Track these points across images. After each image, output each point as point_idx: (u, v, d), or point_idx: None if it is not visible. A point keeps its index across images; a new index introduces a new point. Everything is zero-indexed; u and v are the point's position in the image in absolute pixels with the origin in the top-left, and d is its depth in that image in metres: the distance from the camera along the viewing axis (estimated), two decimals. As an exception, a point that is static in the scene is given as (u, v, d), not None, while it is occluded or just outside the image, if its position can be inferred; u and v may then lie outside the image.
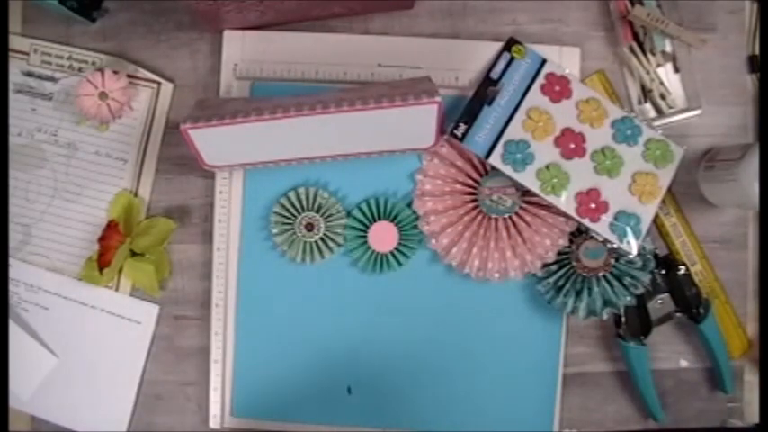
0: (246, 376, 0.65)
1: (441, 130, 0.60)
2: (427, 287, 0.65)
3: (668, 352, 0.67)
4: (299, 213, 0.63)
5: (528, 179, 0.61)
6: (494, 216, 0.63)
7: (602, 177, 0.61)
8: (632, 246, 0.60)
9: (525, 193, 0.62)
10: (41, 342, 0.65)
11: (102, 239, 0.63)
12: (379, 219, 0.64)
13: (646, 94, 0.66)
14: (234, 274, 0.65)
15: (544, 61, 0.63)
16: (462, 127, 0.61)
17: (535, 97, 0.62)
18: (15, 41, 0.65)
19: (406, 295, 0.65)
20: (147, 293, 0.66)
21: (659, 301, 0.64)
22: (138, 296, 0.66)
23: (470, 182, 0.63)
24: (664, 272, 0.64)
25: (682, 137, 0.65)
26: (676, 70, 0.66)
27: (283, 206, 0.63)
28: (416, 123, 0.58)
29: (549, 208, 0.62)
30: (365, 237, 0.63)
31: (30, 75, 0.66)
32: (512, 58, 0.63)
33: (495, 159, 0.61)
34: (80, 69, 0.65)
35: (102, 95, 0.62)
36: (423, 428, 0.65)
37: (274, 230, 0.63)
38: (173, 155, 0.66)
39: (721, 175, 0.62)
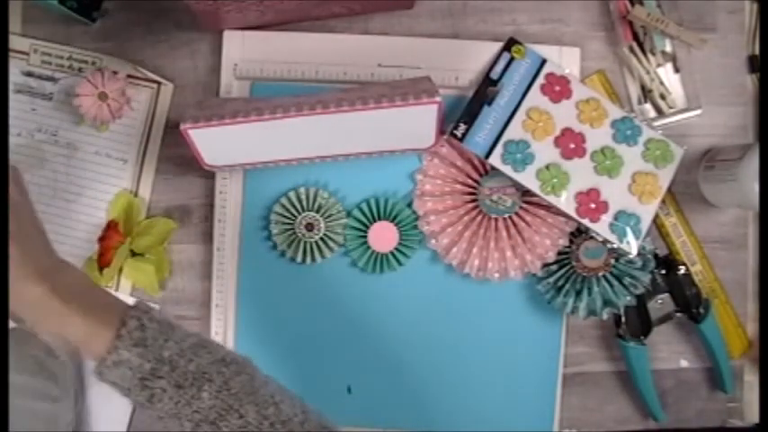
0: (246, 376, 0.65)
1: (441, 130, 0.60)
2: (427, 287, 0.65)
3: (668, 352, 0.67)
4: (299, 213, 0.63)
5: (528, 179, 0.61)
6: (494, 216, 0.63)
7: (602, 177, 0.61)
8: (632, 246, 0.60)
9: (525, 193, 0.62)
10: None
11: (102, 240, 0.63)
12: (379, 219, 0.63)
13: (646, 94, 0.66)
14: (234, 274, 0.65)
15: (544, 61, 0.63)
16: (462, 127, 0.61)
17: (535, 97, 0.62)
18: (15, 41, 0.65)
19: (406, 295, 0.65)
20: (147, 293, 0.65)
21: (659, 301, 0.64)
22: (138, 296, 0.66)
23: (470, 182, 0.63)
24: (664, 272, 0.64)
25: (682, 137, 0.65)
26: (676, 70, 0.66)
27: (283, 206, 0.63)
28: (416, 123, 0.58)
29: (549, 208, 0.62)
30: (365, 237, 0.63)
31: (30, 75, 0.66)
32: (512, 58, 0.63)
33: (495, 159, 0.61)
34: (80, 69, 0.65)
35: (102, 95, 0.62)
36: (422, 428, 0.65)
37: (274, 230, 0.63)
38: (173, 155, 0.66)
39: (721, 175, 0.62)
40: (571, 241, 0.63)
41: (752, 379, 0.67)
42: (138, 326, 0.42)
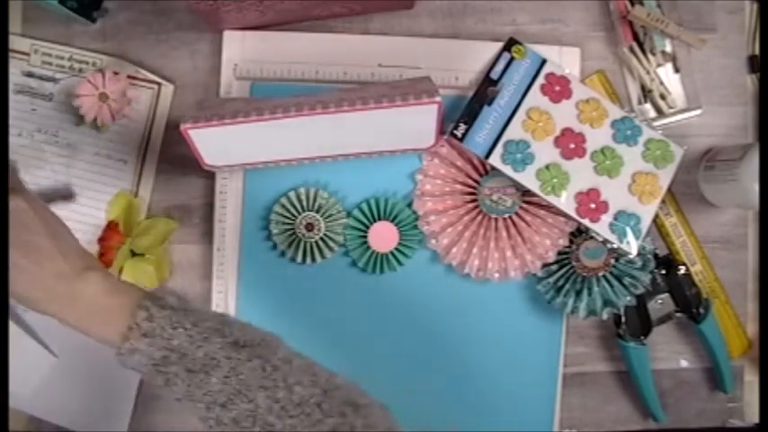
0: (246, 376, 0.65)
1: (441, 130, 0.60)
2: (427, 287, 0.65)
3: (668, 352, 0.67)
4: (299, 213, 0.63)
5: (528, 179, 0.61)
6: (494, 216, 0.63)
7: (602, 177, 0.61)
8: (632, 246, 0.60)
9: (525, 193, 0.62)
10: (41, 342, 0.65)
11: (102, 240, 0.63)
12: (379, 219, 0.63)
13: (646, 94, 0.66)
14: (234, 274, 0.65)
15: (544, 61, 0.63)
16: (462, 127, 0.61)
17: (535, 97, 0.62)
18: (15, 42, 0.65)
19: (406, 295, 0.65)
20: (147, 293, 0.65)
21: (659, 301, 0.64)
22: (138, 296, 0.66)
23: (470, 182, 0.63)
24: (664, 272, 0.64)
25: (682, 137, 0.65)
26: (676, 70, 0.66)
27: (283, 206, 0.63)
28: (416, 123, 0.58)
29: (549, 208, 0.62)
30: (365, 237, 0.63)
31: (30, 75, 0.66)
32: (512, 59, 0.63)
33: (495, 159, 0.61)
34: (80, 70, 0.65)
35: (103, 96, 0.62)
36: (423, 428, 0.65)
37: (274, 230, 0.63)
38: (173, 155, 0.66)
39: (721, 175, 0.62)
40: (571, 241, 0.63)
41: (752, 379, 0.67)
42: (146, 316, 0.44)
